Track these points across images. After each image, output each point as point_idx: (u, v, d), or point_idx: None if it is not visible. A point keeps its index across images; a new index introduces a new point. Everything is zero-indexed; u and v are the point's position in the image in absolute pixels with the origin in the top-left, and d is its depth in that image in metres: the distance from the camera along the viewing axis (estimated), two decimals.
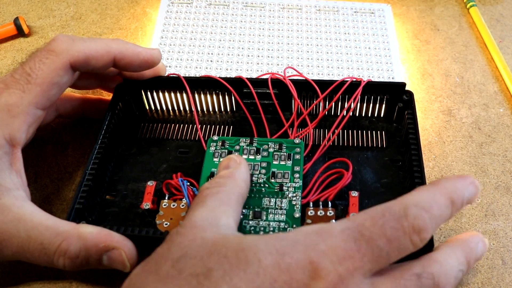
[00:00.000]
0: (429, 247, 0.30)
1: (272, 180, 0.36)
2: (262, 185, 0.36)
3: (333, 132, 0.40)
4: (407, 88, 0.40)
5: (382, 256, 0.25)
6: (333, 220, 0.34)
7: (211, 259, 0.25)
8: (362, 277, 0.25)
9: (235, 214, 0.30)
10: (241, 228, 0.33)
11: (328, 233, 0.26)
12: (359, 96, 0.40)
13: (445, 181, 0.29)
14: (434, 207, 0.27)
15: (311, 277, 0.24)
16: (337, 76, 0.48)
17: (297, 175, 0.36)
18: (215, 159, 0.37)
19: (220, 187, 0.31)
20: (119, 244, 0.31)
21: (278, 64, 0.49)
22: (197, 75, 0.47)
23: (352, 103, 0.40)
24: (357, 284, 0.25)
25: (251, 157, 0.37)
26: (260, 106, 0.41)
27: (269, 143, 0.38)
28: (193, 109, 0.42)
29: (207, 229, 0.28)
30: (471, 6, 0.55)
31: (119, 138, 0.41)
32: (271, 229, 0.33)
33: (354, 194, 0.36)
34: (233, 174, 0.33)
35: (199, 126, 0.41)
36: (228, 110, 0.43)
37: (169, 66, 0.49)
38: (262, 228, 0.33)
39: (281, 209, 0.34)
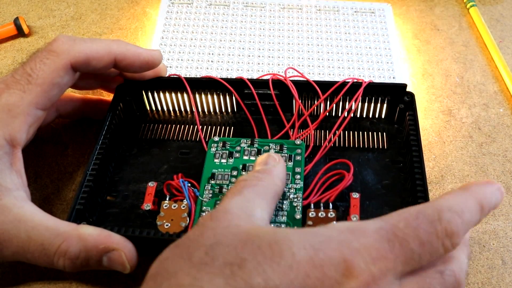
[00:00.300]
0: None
1: None
2: None
3: (334, 133, 0.40)
4: (407, 88, 0.40)
5: (414, 258, 0.25)
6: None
7: (245, 249, 0.25)
8: (393, 278, 0.25)
9: (269, 209, 0.30)
10: None
11: (362, 232, 0.25)
12: (360, 97, 0.40)
13: (475, 187, 0.29)
14: (466, 212, 0.27)
15: (344, 275, 0.24)
16: (338, 76, 0.48)
17: (298, 177, 0.36)
18: (216, 160, 0.37)
19: (258, 180, 0.31)
20: (119, 246, 0.31)
21: (278, 64, 0.49)
22: (198, 76, 0.47)
23: (353, 104, 0.40)
24: (388, 285, 0.25)
25: (252, 158, 0.37)
26: (261, 107, 0.41)
27: (270, 144, 0.38)
28: (194, 109, 0.42)
29: (242, 217, 0.27)
30: (471, 6, 0.55)
31: (120, 139, 0.41)
32: None
33: (355, 195, 0.36)
34: (271, 171, 0.33)
35: (200, 127, 0.41)
36: (229, 111, 0.43)
37: (170, 67, 0.49)
38: None
39: (282, 210, 0.34)
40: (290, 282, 0.23)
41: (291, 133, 0.40)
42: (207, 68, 0.49)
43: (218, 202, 0.33)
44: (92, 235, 0.31)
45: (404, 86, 0.40)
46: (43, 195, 0.40)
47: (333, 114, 0.42)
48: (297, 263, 0.24)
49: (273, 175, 0.32)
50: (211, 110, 0.43)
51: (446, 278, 0.27)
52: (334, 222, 0.34)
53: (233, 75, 0.48)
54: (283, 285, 0.23)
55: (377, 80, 0.47)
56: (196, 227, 0.27)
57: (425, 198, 0.34)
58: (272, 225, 0.34)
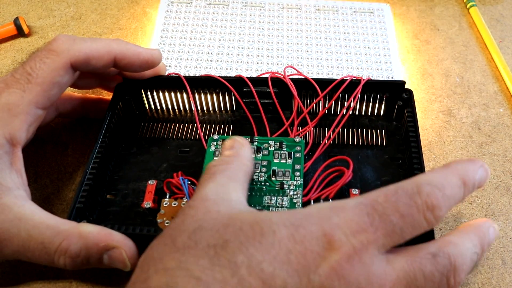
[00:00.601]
0: (429, 237, 0.30)
1: (273, 179, 0.36)
2: (263, 183, 0.36)
3: (333, 131, 0.40)
4: (406, 87, 0.40)
5: (395, 231, 0.25)
6: None
7: (227, 231, 0.25)
8: (376, 251, 0.25)
9: (243, 190, 0.31)
10: None
11: (342, 208, 0.26)
12: (359, 95, 0.40)
13: (456, 163, 0.29)
14: (446, 186, 0.27)
15: (325, 248, 0.24)
16: (336, 76, 0.48)
17: (297, 173, 0.36)
18: (215, 158, 0.37)
19: (228, 164, 0.32)
20: (120, 243, 0.31)
21: (277, 64, 0.49)
22: (197, 75, 0.47)
23: (352, 102, 0.40)
24: (371, 258, 0.25)
25: (252, 156, 0.37)
26: (260, 105, 0.41)
27: (270, 141, 0.38)
28: (193, 108, 0.42)
29: (220, 203, 0.28)
30: (471, 6, 0.55)
31: (120, 138, 0.41)
32: None
33: (355, 192, 0.36)
34: (238, 153, 0.33)
35: (199, 125, 0.41)
36: (228, 109, 0.43)
37: (169, 66, 0.49)
38: None
39: (282, 207, 0.34)
40: (273, 258, 0.24)
41: (290, 131, 0.40)
42: (206, 67, 0.49)
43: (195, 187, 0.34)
44: (92, 233, 0.31)
45: (402, 83, 0.40)
46: (43, 195, 0.40)
47: (332, 112, 0.42)
48: (279, 240, 0.25)
49: (240, 157, 0.33)
50: (210, 109, 0.43)
51: (438, 260, 0.27)
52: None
53: (232, 74, 0.48)
54: (266, 261, 0.24)
55: (376, 79, 0.47)
56: (177, 217, 0.28)
57: None
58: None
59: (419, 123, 0.40)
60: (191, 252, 0.25)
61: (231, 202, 0.29)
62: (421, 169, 0.35)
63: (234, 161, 0.32)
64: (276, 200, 0.35)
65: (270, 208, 0.34)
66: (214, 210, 0.27)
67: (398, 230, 0.25)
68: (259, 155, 0.37)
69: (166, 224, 0.34)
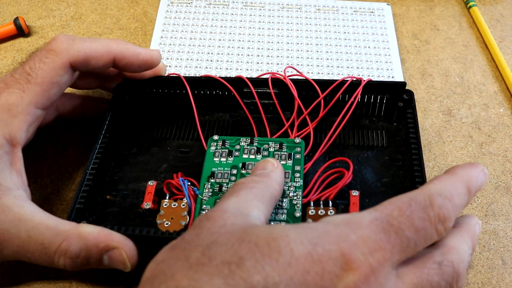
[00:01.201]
0: None
1: None
2: None
3: (334, 132, 0.40)
4: (407, 87, 0.40)
5: (410, 246, 0.26)
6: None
7: (242, 246, 0.24)
8: (390, 268, 0.25)
9: (266, 211, 0.30)
10: None
11: (358, 224, 0.26)
12: (359, 96, 0.40)
13: (460, 170, 0.29)
14: (455, 196, 0.27)
15: (343, 268, 0.24)
16: (337, 76, 0.48)
17: (297, 175, 0.36)
18: (215, 159, 0.37)
19: (256, 183, 0.31)
20: (120, 244, 0.31)
21: (278, 64, 0.49)
22: (197, 75, 0.47)
23: (353, 103, 0.40)
24: (385, 275, 0.25)
25: (252, 156, 0.37)
26: (260, 105, 0.41)
27: (270, 142, 0.38)
28: (194, 109, 0.42)
29: (238, 217, 0.27)
30: (471, 6, 0.55)
31: (120, 138, 0.41)
32: None
33: (355, 193, 0.36)
34: (269, 175, 0.32)
35: (199, 126, 0.41)
36: (229, 110, 0.43)
37: (169, 66, 0.49)
38: None
39: (281, 208, 0.34)
40: (289, 279, 0.23)
41: (290, 132, 0.40)
42: (206, 68, 0.49)
43: (218, 200, 0.33)
44: (92, 233, 0.31)
45: (403, 84, 0.40)
46: (43, 195, 0.40)
47: (333, 113, 0.42)
48: (296, 259, 0.24)
49: (271, 179, 0.32)
50: (211, 109, 0.43)
51: (444, 268, 0.27)
52: (330, 214, 0.35)
53: (232, 74, 0.48)
54: (283, 282, 0.23)
55: (376, 79, 0.47)
56: (192, 228, 0.27)
57: None
58: (272, 222, 0.34)
59: (419, 123, 0.40)
60: (204, 270, 0.24)
61: (249, 218, 0.28)
62: (421, 170, 0.35)
63: (262, 181, 0.31)
64: (273, 207, 0.35)
65: None
66: (230, 223, 0.27)
67: (412, 245, 0.26)
68: (259, 156, 0.37)
69: (166, 225, 0.34)
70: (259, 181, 0.31)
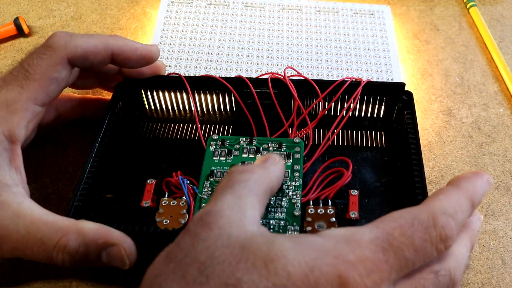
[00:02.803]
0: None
1: None
2: None
3: (333, 132, 0.40)
4: (407, 88, 0.40)
5: (408, 265, 0.26)
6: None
7: (239, 266, 0.24)
8: (387, 286, 0.25)
9: (261, 205, 0.30)
10: None
11: (357, 243, 0.25)
12: (358, 96, 0.40)
13: (466, 183, 0.29)
14: (459, 212, 0.27)
15: None
16: (336, 77, 0.48)
17: (297, 174, 0.36)
18: (214, 158, 0.37)
19: (252, 173, 0.30)
20: (119, 240, 0.31)
21: (277, 65, 0.49)
22: (197, 75, 0.47)
23: (352, 103, 0.40)
24: None
25: (251, 156, 0.38)
26: (260, 105, 0.41)
27: (269, 142, 0.38)
28: (193, 108, 0.42)
29: (233, 222, 0.27)
30: (471, 6, 0.55)
31: (119, 137, 0.41)
32: (271, 227, 0.33)
33: (354, 192, 0.36)
34: (268, 167, 0.32)
35: (199, 126, 0.41)
36: (228, 109, 0.43)
37: (169, 66, 0.49)
38: None
39: (281, 207, 0.34)
40: None
41: (290, 132, 0.40)
42: (206, 68, 0.49)
43: (213, 192, 0.32)
44: (91, 229, 0.31)
45: (402, 85, 0.40)
46: (43, 195, 0.40)
47: (332, 113, 0.42)
48: (293, 283, 0.24)
49: (269, 171, 0.31)
50: (210, 109, 0.43)
51: (440, 278, 0.27)
52: (329, 212, 0.35)
53: (232, 74, 0.48)
54: None
55: (375, 81, 0.47)
56: (187, 235, 0.26)
57: (423, 195, 0.34)
58: (271, 221, 0.34)
59: (419, 123, 0.40)
60: None
61: (245, 221, 0.27)
62: (420, 170, 0.35)
63: (259, 172, 0.31)
64: (275, 201, 0.35)
65: (269, 208, 0.34)
66: (226, 234, 0.26)
67: (410, 264, 0.25)
68: (258, 156, 0.37)
69: (165, 223, 0.34)
70: (255, 171, 0.31)
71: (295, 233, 0.33)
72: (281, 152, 0.38)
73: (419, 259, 0.26)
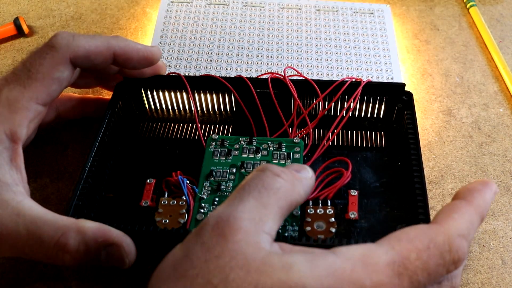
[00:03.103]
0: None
1: None
2: None
3: (333, 132, 0.40)
4: (407, 88, 0.40)
5: (419, 287, 0.26)
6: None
7: None
8: None
9: (281, 220, 0.28)
10: None
11: (374, 267, 0.25)
12: (358, 96, 0.40)
13: (478, 198, 0.29)
14: (471, 231, 0.28)
15: None
16: (336, 76, 0.48)
17: None
18: (214, 158, 0.37)
19: (285, 182, 0.28)
20: (118, 239, 0.31)
21: (277, 64, 0.49)
22: (197, 75, 0.47)
23: (352, 103, 0.40)
24: None
25: (251, 155, 0.37)
26: (260, 105, 0.41)
27: (269, 142, 0.38)
28: (193, 108, 0.42)
29: (250, 239, 0.25)
30: (471, 6, 0.55)
31: (119, 137, 0.41)
32: None
33: (354, 193, 0.36)
34: (302, 179, 0.30)
35: (199, 125, 0.41)
36: (228, 109, 0.43)
37: (169, 66, 0.49)
38: None
39: None
40: None
41: (289, 132, 0.40)
42: (206, 67, 0.49)
43: (233, 192, 0.29)
44: (91, 228, 0.31)
45: (402, 85, 0.40)
46: (43, 195, 0.40)
47: (332, 113, 0.42)
48: None
49: (301, 183, 0.30)
50: (210, 109, 0.43)
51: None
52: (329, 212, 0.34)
53: (232, 74, 0.48)
54: None
55: (375, 80, 0.47)
56: (199, 246, 0.25)
57: (423, 195, 0.34)
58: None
59: (419, 123, 0.40)
60: None
61: (262, 239, 0.26)
62: (420, 170, 0.35)
63: (293, 182, 0.29)
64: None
65: None
66: (242, 253, 0.24)
67: (421, 286, 0.26)
68: (258, 156, 0.37)
69: (164, 223, 0.34)
70: (289, 181, 0.29)
71: (295, 233, 0.33)
72: (281, 152, 0.38)
73: (430, 281, 0.26)
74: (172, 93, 0.42)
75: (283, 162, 0.37)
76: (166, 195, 0.36)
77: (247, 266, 0.24)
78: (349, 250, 0.26)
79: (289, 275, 0.24)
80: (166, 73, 0.42)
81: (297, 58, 0.50)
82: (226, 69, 0.48)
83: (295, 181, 0.29)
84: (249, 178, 0.28)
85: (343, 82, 0.40)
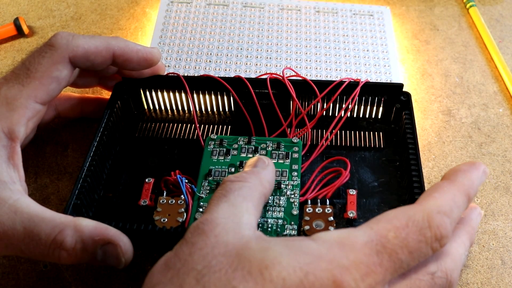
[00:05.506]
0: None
1: None
2: None
3: (331, 132, 0.40)
4: (407, 88, 0.40)
5: (402, 267, 0.26)
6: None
7: (235, 274, 0.24)
8: (381, 287, 0.25)
9: (256, 212, 0.30)
10: None
11: (351, 246, 0.25)
12: (357, 97, 0.40)
13: (461, 177, 0.29)
14: (454, 209, 0.27)
15: None
16: (335, 78, 0.48)
17: (295, 173, 0.36)
18: (213, 157, 0.37)
19: (244, 182, 0.31)
20: (115, 238, 0.31)
21: (276, 65, 0.49)
22: (196, 75, 0.47)
23: (350, 104, 0.40)
24: None
25: (249, 155, 0.37)
26: (258, 106, 0.41)
27: (267, 142, 0.38)
28: (192, 108, 0.42)
29: (229, 228, 0.27)
30: (470, 6, 0.55)
31: (118, 136, 0.41)
32: (269, 225, 0.33)
33: (352, 192, 0.36)
34: (259, 173, 0.32)
35: (198, 125, 0.41)
36: (227, 109, 0.43)
37: (168, 66, 0.49)
38: (260, 225, 0.33)
39: (279, 206, 0.34)
40: None
41: (288, 132, 0.40)
42: (205, 68, 0.49)
43: (209, 202, 0.32)
44: (88, 226, 0.30)
45: (400, 85, 0.40)
46: (43, 195, 0.40)
47: (330, 114, 0.42)
48: None
49: (260, 177, 0.32)
50: (209, 109, 0.43)
51: (436, 280, 0.27)
52: (327, 211, 0.35)
53: (231, 75, 0.48)
54: None
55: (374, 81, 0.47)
56: (185, 244, 0.27)
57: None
58: (269, 220, 0.34)
59: (418, 123, 0.40)
60: None
61: (241, 227, 0.27)
62: (418, 170, 0.35)
63: (251, 179, 0.31)
64: (273, 200, 0.35)
65: (267, 207, 0.34)
66: (223, 242, 0.26)
67: (405, 265, 0.26)
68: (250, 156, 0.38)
69: (163, 222, 0.34)
70: (247, 179, 0.31)
71: (294, 232, 0.33)
72: (279, 152, 0.38)
73: (414, 259, 0.26)
74: (171, 93, 0.42)
75: (282, 161, 0.37)
76: (164, 194, 0.36)
77: (228, 252, 0.26)
78: (327, 234, 0.27)
79: (266, 254, 0.25)
80: (165, 73, 0.42)
81: (296, 59, 0.50)
82: (225, 69, 0.49)
83: (253, 177, 0.31)
84: (216, 191, 0.31)
85: (341, 83, 0.40)
